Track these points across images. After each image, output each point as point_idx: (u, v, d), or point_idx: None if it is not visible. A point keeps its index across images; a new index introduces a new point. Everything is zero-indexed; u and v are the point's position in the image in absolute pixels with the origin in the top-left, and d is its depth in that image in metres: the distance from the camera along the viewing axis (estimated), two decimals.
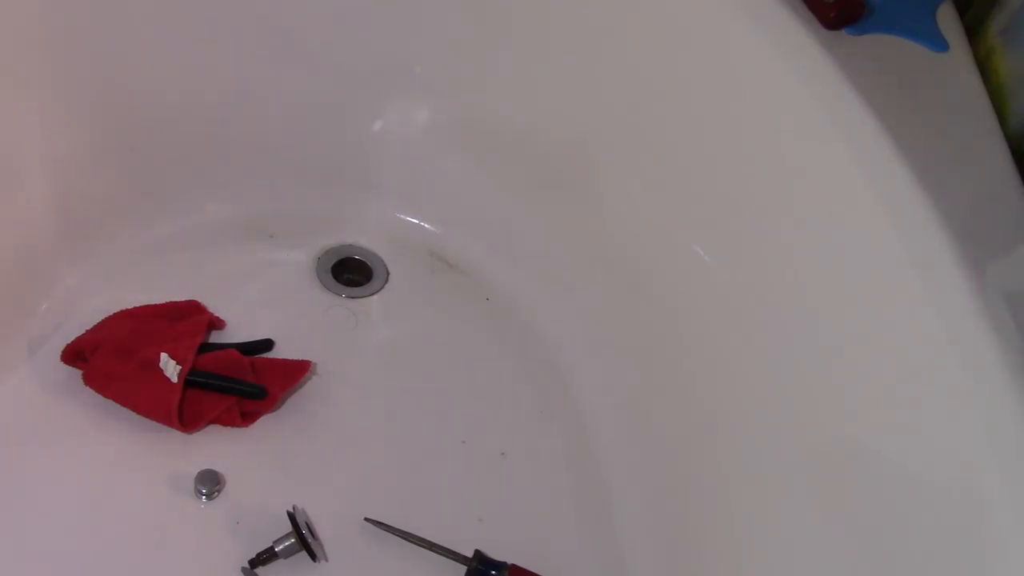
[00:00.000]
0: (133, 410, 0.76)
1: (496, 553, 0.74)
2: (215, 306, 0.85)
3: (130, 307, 0.82)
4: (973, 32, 0.86)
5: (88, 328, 0.79)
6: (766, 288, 0.76)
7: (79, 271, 0.85)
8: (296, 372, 0.81)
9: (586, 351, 0.90)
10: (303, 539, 0.70)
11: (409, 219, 0.99)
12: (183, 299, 0.84)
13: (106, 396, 0.76)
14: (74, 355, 0.78)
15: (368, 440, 0.81)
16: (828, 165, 0.71)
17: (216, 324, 0.84)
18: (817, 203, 0.73)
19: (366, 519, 0.75)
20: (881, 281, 0.65)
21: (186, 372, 0.75)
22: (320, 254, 0.94)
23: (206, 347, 0.81)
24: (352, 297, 0.91)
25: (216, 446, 0.77)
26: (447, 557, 0.73)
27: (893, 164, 0.68)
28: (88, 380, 0.77)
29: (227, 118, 0.92)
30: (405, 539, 0.74)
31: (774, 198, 0.77)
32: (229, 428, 0.78)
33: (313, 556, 0.71)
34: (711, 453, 0.77)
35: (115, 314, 0.81)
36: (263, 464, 0.77)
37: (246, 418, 0.78)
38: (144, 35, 0.84)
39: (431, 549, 0.73)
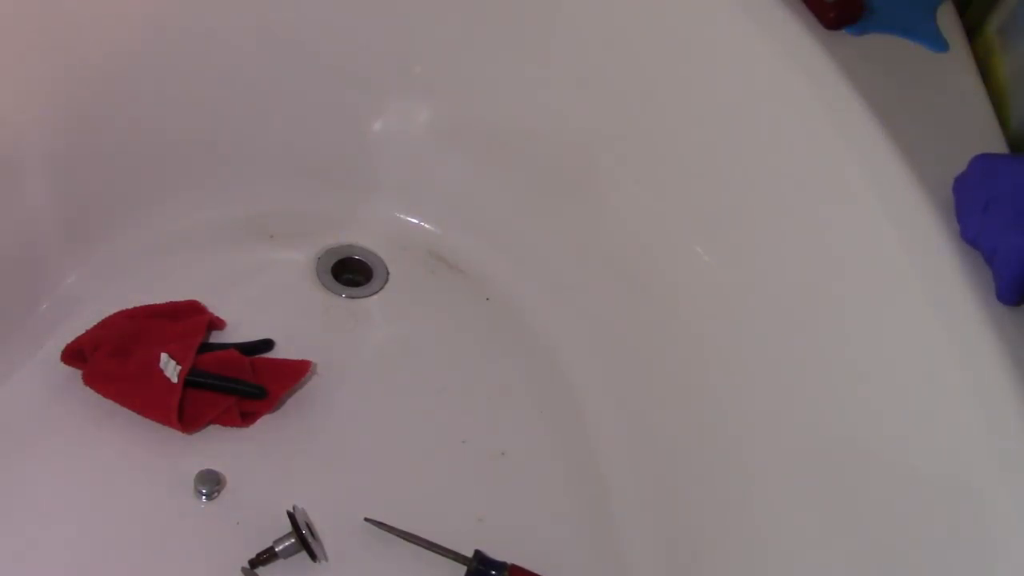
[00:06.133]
0: (133, 410, 0.76)
1: (496, 553, 0.74)
2: (215, 306, 0.85)
3: (130, 307, 0.82)
4: (973, 32, 0.86)
5: (88, 328, 0.79)
6: (766, 288, 0.76)
7: (79, 271, 0.85)
8: (296, 372, 0.81)
9: (586, 351, 0.90)
10: (303, 539, 0.70)
11: (409, 219, 0.99)
12: (183, 299, 0.84)
13: (106, 396, 0.76)
14: (74, 355, 0.78)
15: (368, 440, 0.81)
16: (828, 165, 0.71)
17: (216, 324, 0.84)
18: (817, 204, 0.73)
19: (366, 519, 0.75)
20: (881, 281, 0.66)
21: (186, 372, 0.75)
22: (320, 254, 0.94)
23: (206, 347, 0.81)
24: (352, 297, 0.91)
25: (216, 446, 0.77)
26: (447, 557, 0.73)
27: (893, 164, 0.68)
28: (88, 380, 0.77)
29: (227, 118, 0.92)
30: (405, 539, 0.74)
31: (774, 198, 0.77)
32: (229, 428, 0.78)
33: (313, 556, 0.71)
34: (711, 453, 0.77)
35: (115, 314, 0.81)
36: (263, 464, 0.77)
37: (246, 418, 0.78)
38: (144, 35, 0.84)
39: (431, 549, 0.73)
